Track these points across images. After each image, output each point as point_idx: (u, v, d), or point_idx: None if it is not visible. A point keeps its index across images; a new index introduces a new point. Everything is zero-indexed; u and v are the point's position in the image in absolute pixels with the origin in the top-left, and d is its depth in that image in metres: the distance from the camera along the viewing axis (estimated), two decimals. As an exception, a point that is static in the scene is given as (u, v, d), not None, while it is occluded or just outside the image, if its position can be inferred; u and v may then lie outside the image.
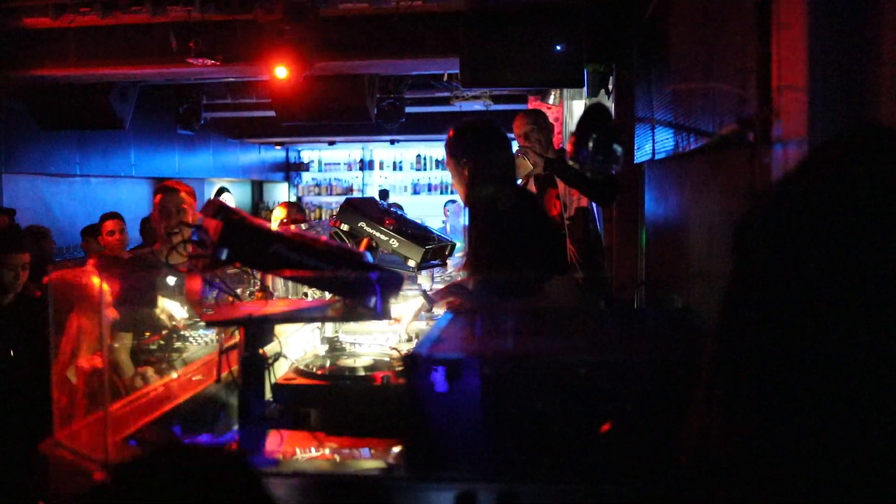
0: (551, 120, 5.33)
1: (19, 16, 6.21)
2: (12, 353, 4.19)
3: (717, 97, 2.70)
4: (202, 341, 3.47)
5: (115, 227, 6.92)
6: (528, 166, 4.51)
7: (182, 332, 3.41)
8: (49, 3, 6.05)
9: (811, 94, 1.77)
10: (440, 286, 4.01)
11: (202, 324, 3.36)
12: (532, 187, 4.84)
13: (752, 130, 2.18)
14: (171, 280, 3.38)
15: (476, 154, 3.34)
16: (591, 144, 3.94)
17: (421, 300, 3.42)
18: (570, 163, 4.18)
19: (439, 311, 3.44)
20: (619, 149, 4.02)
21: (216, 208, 2.16)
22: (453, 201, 9.46)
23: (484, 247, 3.29)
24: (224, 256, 2.14)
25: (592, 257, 4.87)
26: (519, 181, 4.24)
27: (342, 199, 5.50)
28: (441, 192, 15.60)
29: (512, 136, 4.37)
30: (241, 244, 2.14)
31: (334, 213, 8.40)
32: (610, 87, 5.40)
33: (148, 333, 3.45)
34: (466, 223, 3.39)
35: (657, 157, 3.98)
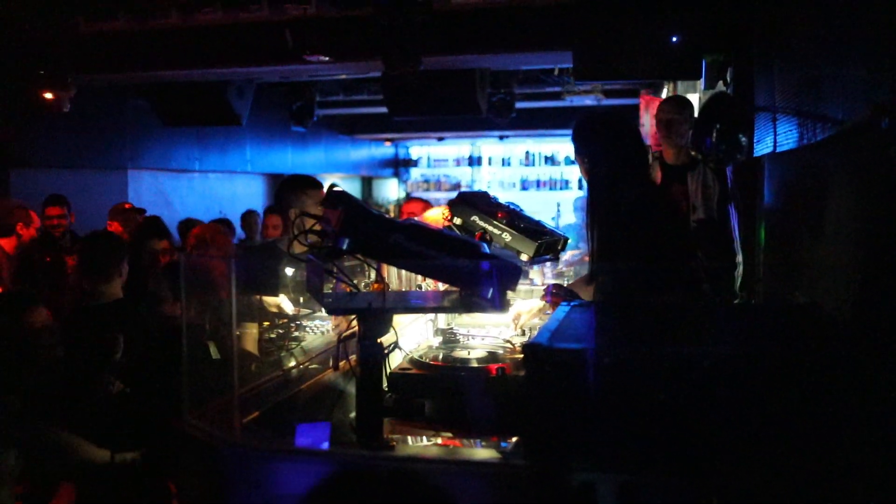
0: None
1: (145, 19, 6.46)
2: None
3: (846, 83, 2.59)
4: (319, 331, 3.54)
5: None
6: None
7: (301, 322, 3.49)
8: (172, 5, 6.29)
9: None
10: (551, 281, 3.98)
11: (320, 314, 3.43)
12: (658, 173, 4.69)
13: (887, 116, 2.08)
14: (290, 270, 3.46)
15: (592, 146, 3.28)
16: (714, 134, 3.82)
17: (539, 301, 3.40)
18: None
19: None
20: (744, 139, 3.88)
21: (337, 197, 2.19)
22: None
23: (602, 240, 3.24)
24: (345, 246, 2.17)
25: (720, 261, 4.69)
26: None
27: (451, 195, 5.51)
28: (550, 189, 15.50)
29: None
30: (362, 233, 2.17)
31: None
32: (728, 78, 5.24)
33: (267, 323, 3.54)
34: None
35: (779, 149, 3.84)
